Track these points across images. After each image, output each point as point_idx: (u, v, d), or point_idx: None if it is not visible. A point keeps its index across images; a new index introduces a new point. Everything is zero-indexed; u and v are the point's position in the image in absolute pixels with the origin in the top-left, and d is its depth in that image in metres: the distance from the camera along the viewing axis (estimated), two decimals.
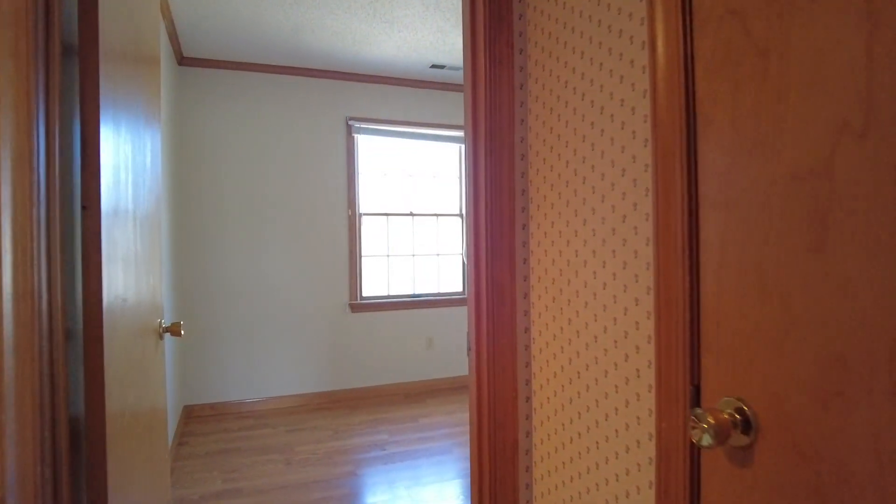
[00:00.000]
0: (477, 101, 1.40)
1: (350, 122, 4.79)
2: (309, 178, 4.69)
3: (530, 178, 1.42)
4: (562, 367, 1.31)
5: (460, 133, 5.16)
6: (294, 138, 4.65)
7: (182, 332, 1.84)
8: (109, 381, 1.03)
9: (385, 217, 4.97)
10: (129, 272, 1.29)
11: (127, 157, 1.28)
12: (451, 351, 5.10)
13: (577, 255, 1.25)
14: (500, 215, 1.38)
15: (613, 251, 1.14)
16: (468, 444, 3.70)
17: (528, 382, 1.41)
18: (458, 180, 5.27)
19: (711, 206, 0.81)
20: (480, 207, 1.40)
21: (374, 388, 4.84)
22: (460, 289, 5.22)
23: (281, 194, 4.60)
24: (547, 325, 1.36)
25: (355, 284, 4.80)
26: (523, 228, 1.42)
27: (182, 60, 4.31)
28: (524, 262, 1.42)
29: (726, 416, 0.76)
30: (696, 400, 0.85)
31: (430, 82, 5.03)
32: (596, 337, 1.20)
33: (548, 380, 1.36)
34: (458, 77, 4.91)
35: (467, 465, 3.39)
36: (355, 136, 4.83)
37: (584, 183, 1.24)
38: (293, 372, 4.61)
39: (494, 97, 1.38)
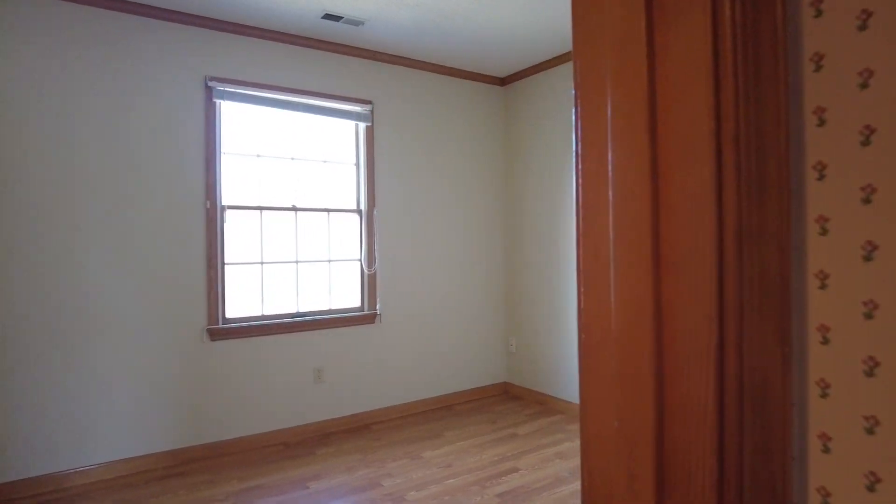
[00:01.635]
0: None
1: (210, 84, 3.53)
2: (149, 155, 3.36)
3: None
4: None
5: (359, 108, 4.12)
6: (128, 101, 3.29)
7: None
8: None
9: (258, 212, 3.79)
10: None
11: None
12: (345, 383, 4.07)
13: None
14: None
15: None
16: None
17: None
18: (355, 167, 4.22)
19: None
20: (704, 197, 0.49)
21: (244, 439, 3.66)
22: (358, 303, 4.20)
23: (106, 177, 3.23)
24: None
25: (215, 302, 3.58)
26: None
27: None
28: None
29: None
30: None
31: (321, 41, 3.92)
32: None
33: None
34: (358, 35, 3.86)
35: None
36: (217, 101, 3.59)
37: None
38: (128, 426, 3.28)
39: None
